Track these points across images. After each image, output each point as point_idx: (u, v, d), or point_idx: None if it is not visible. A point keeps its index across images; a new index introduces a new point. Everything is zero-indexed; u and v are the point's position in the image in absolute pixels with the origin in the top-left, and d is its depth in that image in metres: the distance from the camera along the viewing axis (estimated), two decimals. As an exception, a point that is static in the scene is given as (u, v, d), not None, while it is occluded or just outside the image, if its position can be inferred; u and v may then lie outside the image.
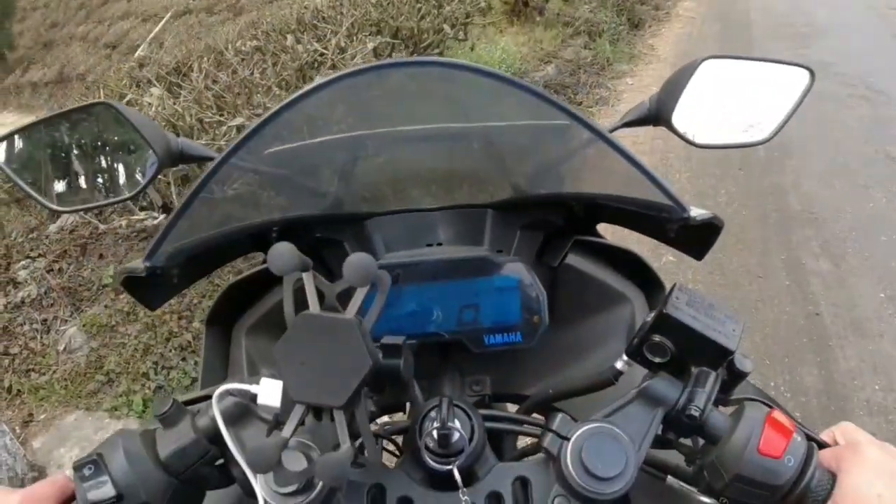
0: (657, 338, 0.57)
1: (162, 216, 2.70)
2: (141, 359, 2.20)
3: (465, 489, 0.56)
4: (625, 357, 0.62)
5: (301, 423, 0.51)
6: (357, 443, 0.57)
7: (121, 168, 0.81)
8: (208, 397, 0.59)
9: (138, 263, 0.63)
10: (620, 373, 0.62)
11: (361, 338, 0.51)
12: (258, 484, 0.53)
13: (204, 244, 0.66)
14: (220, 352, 0.77)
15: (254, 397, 0.56)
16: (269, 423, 0.58)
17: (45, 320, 2.47)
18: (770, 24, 7.56)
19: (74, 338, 2.32)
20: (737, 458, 0.53)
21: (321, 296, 0.54)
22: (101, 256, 2.59)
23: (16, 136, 0.82)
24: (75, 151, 0.83)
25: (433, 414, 0.57)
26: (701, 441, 0.58)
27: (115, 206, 2.45)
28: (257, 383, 0.55)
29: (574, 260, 0.74)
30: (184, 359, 2.25)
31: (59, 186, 0.82)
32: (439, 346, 0.70)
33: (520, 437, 0.68)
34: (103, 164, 0.83)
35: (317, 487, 0.53)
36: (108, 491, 0.53)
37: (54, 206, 0.80)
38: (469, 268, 0.69)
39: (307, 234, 0.71)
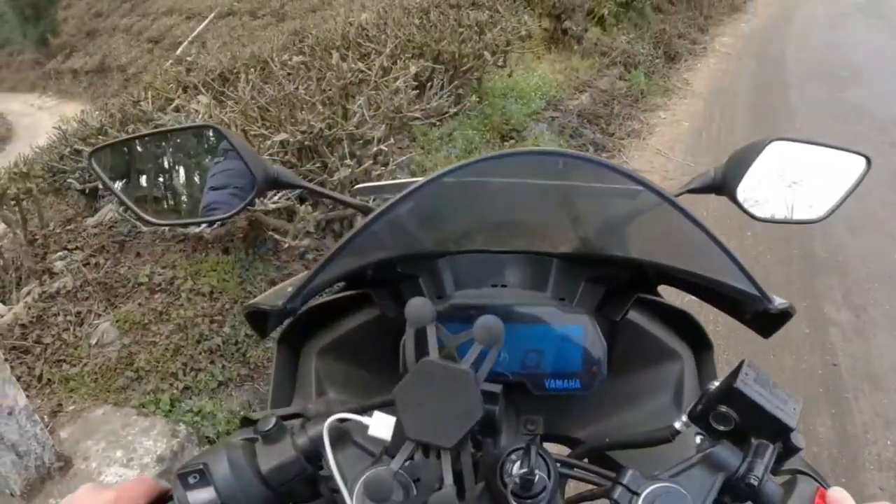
0: (723, 408, 0.62)
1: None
2: (171, 359, 2.27)
3: None
4: (685, 419, 0.66)
5: (410, 458, 0.56)
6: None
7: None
8: (299, 415, 0.65)
9: (273, 301, 0.68)
10: (678, 432, 0.67)
11: (475, 388, 0.56)
12: (355, 496, 0.58)
13: (323, 287, 0.72)
14: (289, 370, 0.82)
15: (364, 428, 0.62)
16: (362, 448, 0.64)
17: (80, 313, 2.54)
18: (805, 63, 7.54)
19: (107, 333, 2.39)
20: None
21: (441, 345, 0.59)
22: (137, 255, 2.67)
23: (116, 147, 0.87)
24: (175, 168, 0.88)
25: (514, 457, 0.61)
26: None
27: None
28: (369, 415, 0.61)
29: (633, 316, 0.78)
30: (212, 362, 2.31)
31: (155, 200, 0.87)
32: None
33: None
34: (201, 183, 0.87)
35: None
36: (212, 499, 0.57)
37: (148, 218, 0.83)
38: (538, 315, 0.74)
39: (390, 269, 0.77)
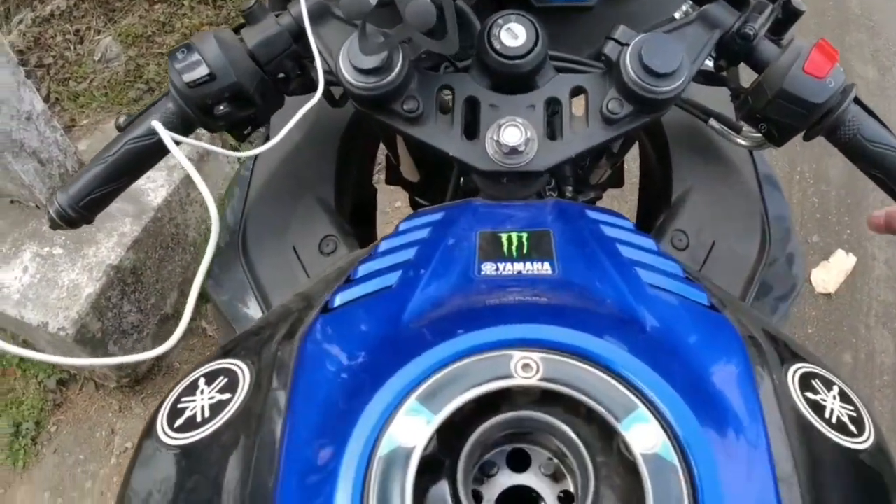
0: None
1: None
2: (181, 69, 2.19)
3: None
4: (685, 6, 0.65)
5: None
6: None
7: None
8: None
9: None
10: (674, 19, 0.64)
11: None
12: (341, 58, 0.56)
13: None
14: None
15: None
16: (344, 21, 0.61)
17: (78, 31, 2.41)
18: None
19: (110, 47, 2.28)
20: (782, 74, 0.57)
21: None
22: (130, -32, 2.46)
23: None
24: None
25: (501, 21, 0.57)
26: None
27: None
28: None
29: None
30: (223, 75, 2.24)
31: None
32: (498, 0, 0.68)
33: None
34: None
35: (394, 70, 0.55)
36: (201, 70, 0.57)
37: None
38: None
39: None
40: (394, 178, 1.14)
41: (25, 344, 1.93)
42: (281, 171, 0.75)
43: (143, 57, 2.24)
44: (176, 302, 1.89)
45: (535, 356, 0.35)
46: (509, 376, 0.34)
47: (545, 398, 0.35)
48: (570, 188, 0.78)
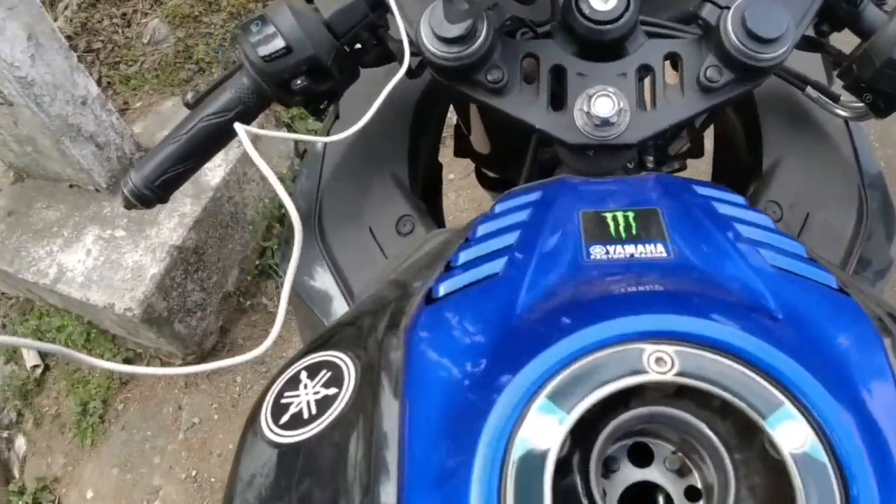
0: None
1: None
2: (230, 47, 2.18)
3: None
4: None
5: None
6: None
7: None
8: None
9: None
10: None
11: None
12: (422, 26, 0.53)
13: None
14: None
15: None
16: None
17: (125, 14, 2.42)
18: None
19: (158, 29, 2.29)
20: (891, 42, 0.54)
21: None
22: (174, -52, 2.46)
23: None
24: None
25: None
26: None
27: None
28: None
29: None
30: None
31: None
32: None
33: None
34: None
35: (479, 38, 0.52)
36: (277, 43, 0.55)
37: None
38: None
39: None
40: (462, 149, 1.11)
41: (90, 325, 1.97)
42: (353, 148, 0.73)
43: (192, 37, 2.25)
44: (237, 279, 1.90)
45: (669, 349, 0.33)
46: (643, 371, 0.32)
47: (674, 391, 0.33)
48: (650, 159, 0.75)
